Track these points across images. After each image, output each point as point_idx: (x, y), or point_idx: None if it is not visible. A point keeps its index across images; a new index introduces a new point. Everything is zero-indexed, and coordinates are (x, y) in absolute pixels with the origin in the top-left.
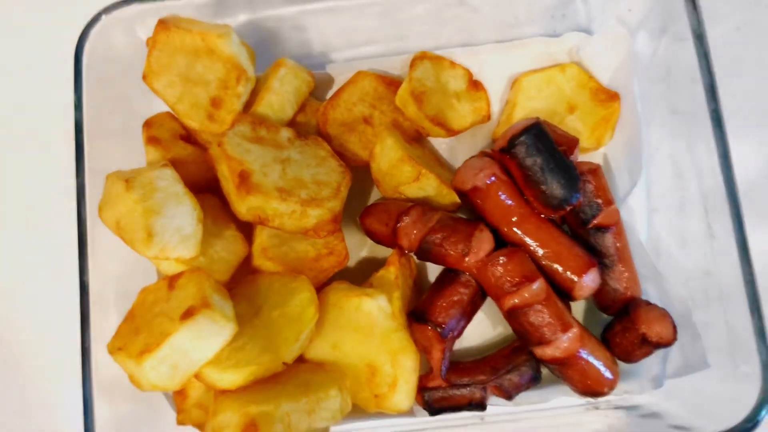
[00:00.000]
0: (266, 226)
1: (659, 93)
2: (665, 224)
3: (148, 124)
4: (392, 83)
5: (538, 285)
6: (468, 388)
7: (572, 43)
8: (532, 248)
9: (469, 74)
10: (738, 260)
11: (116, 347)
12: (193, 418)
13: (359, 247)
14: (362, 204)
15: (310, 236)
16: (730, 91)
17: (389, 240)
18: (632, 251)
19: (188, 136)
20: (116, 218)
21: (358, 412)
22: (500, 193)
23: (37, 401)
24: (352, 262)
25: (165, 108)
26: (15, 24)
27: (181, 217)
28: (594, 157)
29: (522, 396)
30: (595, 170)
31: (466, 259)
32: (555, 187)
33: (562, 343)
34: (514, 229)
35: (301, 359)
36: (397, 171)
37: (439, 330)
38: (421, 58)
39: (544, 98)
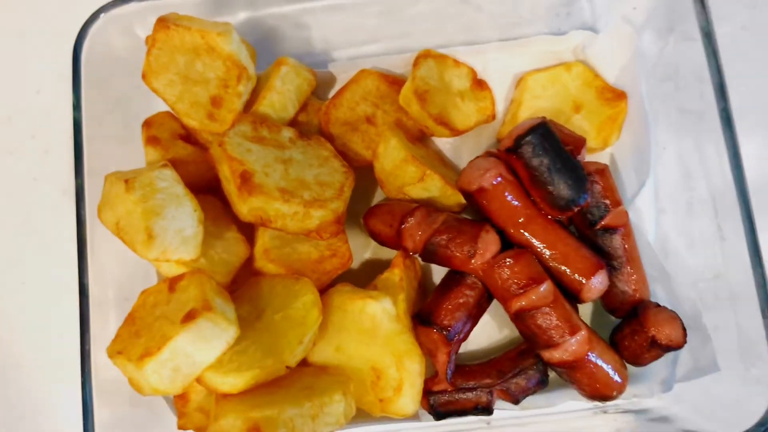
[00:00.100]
0: (268, 227)
1: (666, 92)
2: (673, 225)
3: (147, 124)
4: (395, 82)
5: (546, 287)
6: (474, 392)
7: (578, 41)
8: (539, 250)
9: (474, 73)
10: (749, 262)
11: (116, 351)
12: (194, 423)
13: (363, 249)
14: (365, 205)
15: (313, 238)
16: (736, 90)
17: (393, 241)
18: (640, 252)
19: (188, 136)
20: (116, 219)
21: (362, 416)
22: (506, 193)
23: (37, 404)
24: (355, 264)
25: (165, 107)
26: (13, 22)
27: (181, 219)
28: (601, 157)
29: (529, 400)
30: (602, 170)
31: (472, 260)
32: (562, 188)
33: (570, 346)
34: (521, 230)
35: (304, 363)
36: (401, 171)
37: (444, 333)
38: (424, 56)
39: (550, 97)
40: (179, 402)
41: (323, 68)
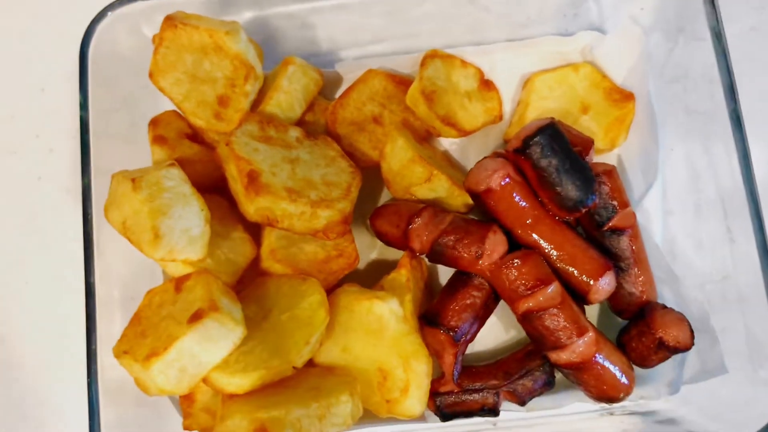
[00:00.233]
0: (275, 227)
1: (675, 93)
2: (681, 226)
3: (154, 123)
4: (402, 82)
5: (553, 288)
6: (480, 393)
7: (585, 42)
8: (546, 251)
9: (481, 73)
10: (758, 263)
11: (122, 351)
12: (200, 423)
13: (369, 249)
14: (372, 205)
15: (320, 238)
16: (744, 91)
17: (400, 242)
18: (648, 254)
19: (195, 135)
20: (122, 219)
21: (369, 417)
22: (514, 194)
23: (41, 404)
24: (362, 264)
25: (171, 106)
26: (18, 21)
27: (188, 218)
28: (608, 158)
29: (535, 401)
30: (610, 171)
31: (480, 261)
32: (570, 189)
33: (577, 348)
34: (529, 231)
35: (311, 363)
36: (408, 171)
37: (451, 334)
38: (431, 56)
39: (557, 98)
40: (185, 402)
41: (330, 68)
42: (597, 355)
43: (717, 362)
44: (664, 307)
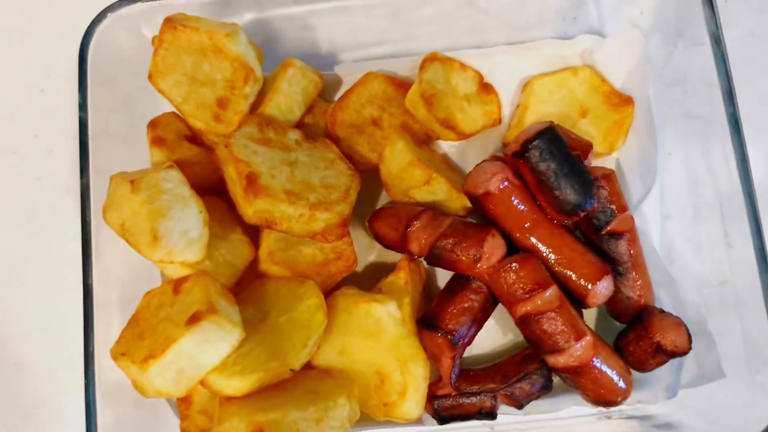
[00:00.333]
0: (273, 229)
1: (674, 97)
2: (679, 231)
3: (153, 125)
4: (402, 85)
5: (551, 292)
6: (478, 397)
7: (585, 45)
8: (544, 254)
9: (480, 77)
10: (756, 268)
11: (119, 352)
12: (197, 425)
13: (367, 252)
14: (371, 207)
15: (318, 240)
16: (743, 95)
17: (399, 245)
18: (646, 258)
19: (194, 137)
20: (121, 220)
21: (366, 420)
22: (513, 198)
23: (39, 406)
24: (360, 267)
25: (170, 108)
26: (17, 21)
27: (187, 220)
28: (606, 162)
29: (533, 405)
30: (608, 175)
31: (478, 265)
32: (569, 193)
33: (575, 352)
34: (527, 234)
35: (308, 366)
36: (407, 174)
37: (449, 337)
38: (431, 59)
39: (556, 102)
40: (182, 404)
41: (329, 70)
42: (594, 359)
43: (714, 367)
44: (662, 311)
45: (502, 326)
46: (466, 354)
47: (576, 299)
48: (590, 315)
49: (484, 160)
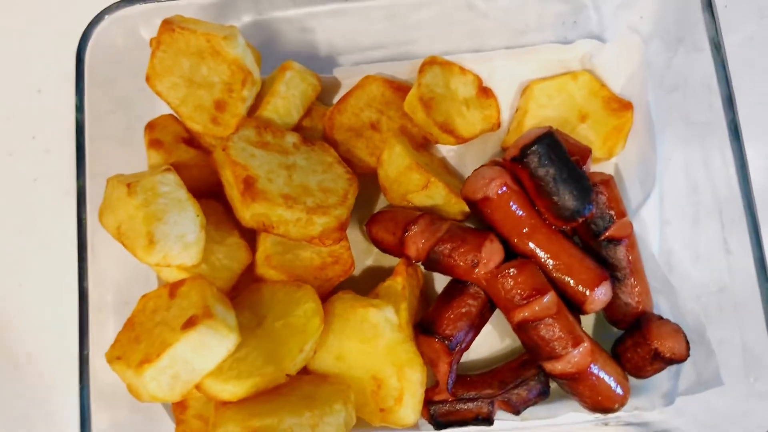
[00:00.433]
0: (270, 233)
1: (673, 102)
2: (678, 237)
3: (150, 127)
4: (400, 88)
5: (549, 298)
6: (475, 403)
7: (584, 50)
8: (542, 260)
9: (479, 81)
10: (755, 275)
11: (115, 356)
12: (192, 430)
13: (365, 256)
14: (368, 211)
15: (316, 244)
16: (743, 100)
17: (396, 249)
18: (644, 264)
19: (191, 140)
20: (117, 223)
21: (362, 425)
22: (511, 203)
23: (34, 408)
24: (357, 271)
25: (168, 109)
26: (15, 21)
27: (183, 224)
28: (605, 168)
29: (530, 411)
30: (607, 181)
31: (476, 270)
32: (567, 198)
33: (572, 358)
34: (525, 240)
35: (304, 370)
36: (405, 178)
37: (446, 342)
38: (430, 63)
39: (556, 106)
40: (178, 409)
41: (328, 73)
42: (592, 365)
43: (713, 374)
44: (660, 318)
45: (499, 331)
46: (463, 359)
47: (574, 305)
48: (588, 321)
49: (482, 165)
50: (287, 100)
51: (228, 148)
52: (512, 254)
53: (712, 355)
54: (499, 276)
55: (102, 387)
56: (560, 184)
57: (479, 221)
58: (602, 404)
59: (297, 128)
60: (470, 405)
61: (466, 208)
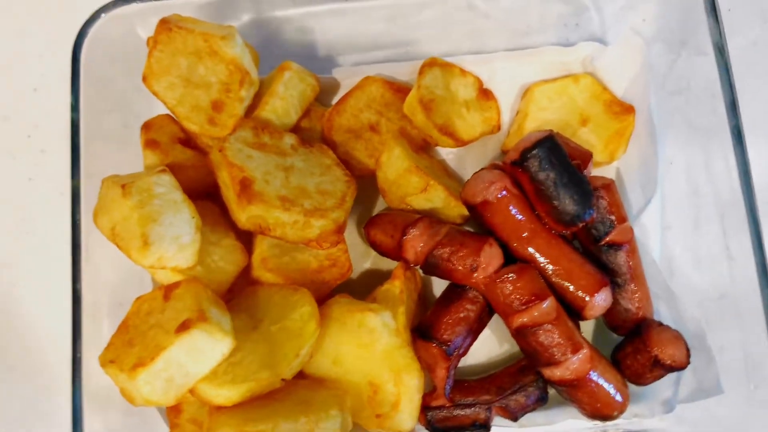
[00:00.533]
0: (267, 235)
1: (676, 106)
2: (679, 242)
3: (146, 127)
4: (400, 90)
5: (549, 304)
6: (472, 408)
7: (586, 52)
8: (542, 265)
9: (480, 83)
10: (757, 282)
11: (108, 359)
12: None
13: (363, 259)
14: (367, 214)
15: (313, 247)
16: (746, 104)
17: (394, 252)
18: (645, 270)
19: (188, 140)
20: (111, 225)
21: (358, 431)
22: (511, 207)
23: (30, 408)
24: (355, 274)
25: (165, 109)
26: (12, 19)
27: (178, 226)
28: (607, 172)
29: (528, 417)
30: (608, 186)
31: (474, 274)
32: (568, 203)
33: (571, 365)
34: (525, 244)
35: (300, 374)
36: (404, 181)
37: (444, 348)
38: (430, 64)
39: (557, 109)
40: (172, 413)
41: (327, 73)
42: (591, 372)
43: (713, 382)
44: (661, 324)
45: (497, 336)
46: (461, 364)
47: (573, 311)
48: (588, 326)
49: (482, 169)
50: (285, 100)
51: (225, 149)
52: (512, 259)
53: (712, 362)
54: (497, 281)
55: (97, 389)
56: (561, 188)
57: (479, 225)
58: (601, 411)
59: (295, 129)
60: (468, 411)
61: (466, 212)
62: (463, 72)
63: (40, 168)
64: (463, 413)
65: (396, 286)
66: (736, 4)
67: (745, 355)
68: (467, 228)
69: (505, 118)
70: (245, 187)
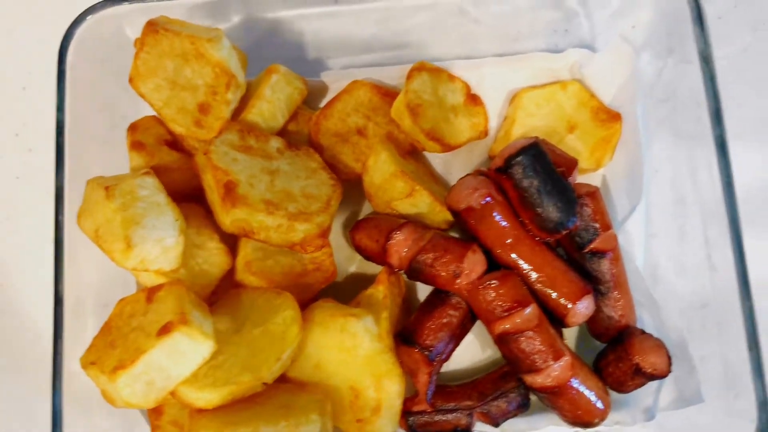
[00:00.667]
0: (252, 238)
1: (663, 114)
2: (664, 251)
3: (132, 128)
4: (388, 94)
5: (530, 311)
6: (453, 414)
7: (574, 59)
8: (525, 272)
9: (468, 88)
10: (738, 293)
11: (89, 361)
12: None
13: (349, 262)
14: (353, 217)
15: (297, 251)
16: (735, 112)
17: (379, 257)
18: (629, 278)
19: (174, 142)
20: (95, 226)
21: None
22: (495, 214)
23: (16, 411)
24: (340, 278)
25: (152, 111)
26: (3, 17)
27: (162, 228)
28: (592, 179)
29: (509, 423)
30: (593, 193)
31: (457, 280)
32: (551, 210)
33: (553, 372)
34: (508, 251)
35: (283, 378)
36: (390, 186)
37: (426, 353)
38: (418, 69)
39: (544, 116)
40: (153, 415)
41: (315, 76)
42: (572, 379)
43: (694, 391)
44: (643, 332)
45: (481, 342)
46: (443, 369)
47: (556, 318)
48: (571, 333)
49: (466, 175)
50: (272, 104)
51: (209, 152)
52: (495, 265)
53: (693, 371)
54: (480, 287)
55: (80, 390)
56: (544, 195)
57: (463, 231)
58: (582, 418)
59: (282, 132)
60: (449, 416)
61: (451, 217)
62: (452, 77)
63: (27, 167)
64: (444, 419)
65: (380, 291)
66: (726, 12)
67: (725, 365)
68: (452, 233)
69: (493, 123)
70: (229, 190)
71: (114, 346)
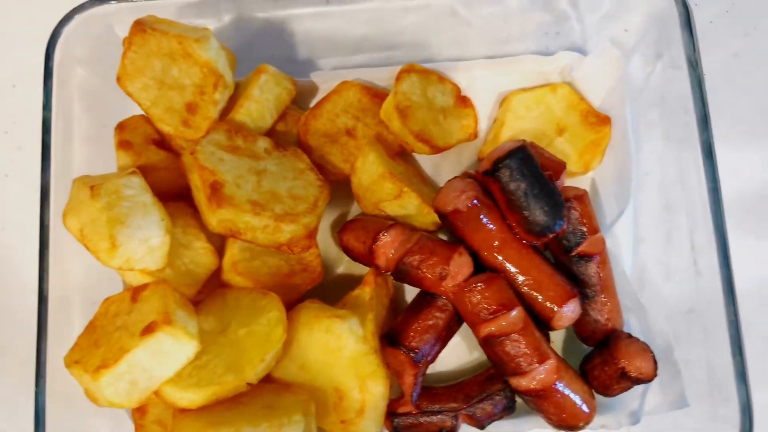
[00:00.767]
0: (238, 239)
1: (652, 118)
2: (651, 255)
3: (120, 127)
4: (378, 95)
5: (516, 314)
6: (439, 416)
7: (565, 62)
8: (512, 275)
9: (457, 90)
10: (723, 299)
11: (73, 360)
12: None
13: (336, 263)
14: (342, 218)
15: (284, 251)
16: (725, 116)
17: (366, 258)
18: (616, 281)
19: (162, 141)
20: (80, 225)
21: None
22: (482, 216)
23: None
24: (327, 279)
25: (140, 110)
26: None
27: (147, 228)
28: (581, 182)
29: (494, 426)
30: (581, 196)
31: (444, 283)
32: (538, 214)
33: (538, 375)
34: (495, 254)
35: (268, 378)
36: (378, 187)
37: (412, 355)
38: (408, 71)
39: (533, 118)
40: (137, 414)
41: (305, 77)
42: (557, 382)
43: (679, 395)
44: (629, 336)
45: (467, 344)
46: (430, 371)
47: (542, 321)
48: (558, 336)
49: (454, 177)
50: (261, 104)
51: (196, 152)
52: (482, 268)
53: (678, 376)
54: (466, 290)
55: (64, 388)
56: (531, 199)
57: (451, 233)
58: (567, 422)
59: (271, 133)
60: (434, 418)
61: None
62: (441, 79)
63: (16, 165)
64: (429, 420)
65: (366, 293)
66: (718, 16)
67: (709, 370)
68: (440, 236)
69: (483, 125)
70: (215, 190)
71: (98, 345)
